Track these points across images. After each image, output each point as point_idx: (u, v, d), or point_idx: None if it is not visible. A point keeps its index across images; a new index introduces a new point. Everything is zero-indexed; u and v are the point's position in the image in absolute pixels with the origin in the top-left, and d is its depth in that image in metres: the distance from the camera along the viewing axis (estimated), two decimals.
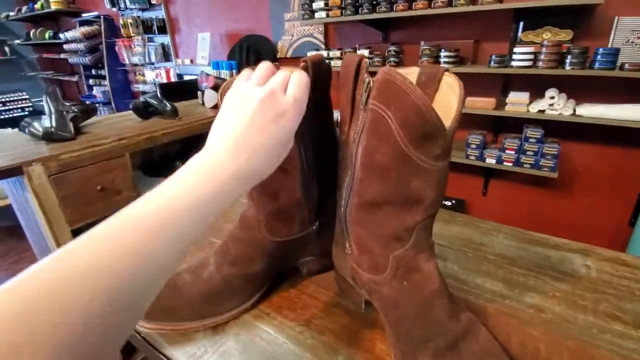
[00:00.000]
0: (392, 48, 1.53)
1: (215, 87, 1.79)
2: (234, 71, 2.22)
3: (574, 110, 1.25)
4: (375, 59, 1.59)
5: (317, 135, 0.41)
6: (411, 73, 0.36)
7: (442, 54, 1.41)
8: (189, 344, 0.38)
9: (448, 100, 0.31)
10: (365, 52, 1.60)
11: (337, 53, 1.69)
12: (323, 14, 1.66)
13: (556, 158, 1.33)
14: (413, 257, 0.33)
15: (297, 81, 0.29)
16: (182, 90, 2.14)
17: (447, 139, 0.28)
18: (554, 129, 1.41)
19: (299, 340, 0.38)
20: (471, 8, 1.28)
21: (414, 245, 0.33)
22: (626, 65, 1.09)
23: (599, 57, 1.12)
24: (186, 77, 2.74)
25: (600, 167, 1.44)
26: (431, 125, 0.26)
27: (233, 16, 2.42)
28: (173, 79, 2.70)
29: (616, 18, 1.21)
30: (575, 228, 1.58)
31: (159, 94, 1.68)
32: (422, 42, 1.63)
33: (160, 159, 1.67)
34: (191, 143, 1.62)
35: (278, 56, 2.31)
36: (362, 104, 0.31)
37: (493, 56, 1.31)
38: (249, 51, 2.27)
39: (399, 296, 0.33)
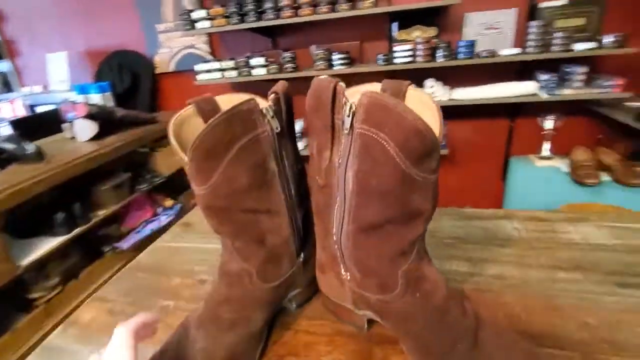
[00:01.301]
0: (287, 55, 1.54)
1: (91, 116, 1.52)
2: (107, 93, 1.92)
3: (450, 95, 1.48)
4: (271, 67, 1.58)
5: (294, 167, 0.38)
6: (374, 88, 0.36)
7: (335, 56, 1.48)
8: None
9: (420, 113, 0.32)
10: (261, 60, 1.58)
11: (231, 63, 1.62)
12: (206, 23, 1.56)
13: (445, 137, 1.56)
14: (418, 268, 0.33)
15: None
16: (40, 125, 1.76)
17: (438, 152, 0.29)
18: None
19: None
20: (352, 13, 1.38)
21: (417, 256, 0.33)
22: (482, 53, 1.34)
23: (460, 48, 1.35)
24: (40, 109, 2.24)
25: (476, 138, 1.75)
26: (431, 143, 0.27)
27: (94, 30, 2.08)
28: (24, 112, 2.19)
29: (465, 15, 1.47)
30: (466, 191, 1.88)
31: (13, 135, 1.34)
32: (312, 46, 1.69)
33: (31, 214, 1.34)
34: (71, 187, 1.34)
35: (157, 72, 2.08)
36: (346, 129, 0.30)
37: (379, 55, 1.44)
38: (122, 69, 1.99)
39: (415, 309, 0.33)
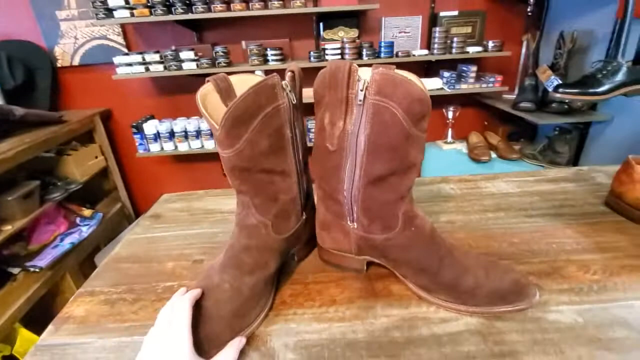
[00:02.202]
0: (219, 49, 1.53)
1: None
2: None
3: None
4: (202, 61, 1.54)
5: (302, 136, 0.44)
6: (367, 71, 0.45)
7: (269, 52, 1.53)
8: None
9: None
10: (190, 54, 1.53)
11: (156, 57, 1.53)
12: (125, 12, 1.44)
13: None
14: (411, 209, 0.43)
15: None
16: None
17: (430, 115, 0.39)
18: None
19: (340, 317, 0.43)
20: (284, 11, 1.45)
21: (410, 199, 0.43)
22: (399, 53, 1.55)
23: (382, 48, 1.53)
24: None
25: None
26: (428, 106, 0.37)
27: None
28: None
29: (383, 18, 1.67)
30: None
31: None
32: (244, 42, 1.70)
33: None
34: None
35: (59, 65, 1.83)
36: (359, 101, 0.38)
37: (312, 52, 1.54)
38: (12, 63, 1.69)
39: (412, 240, 0.43)
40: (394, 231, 0.43)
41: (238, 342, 0.37)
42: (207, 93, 0.40)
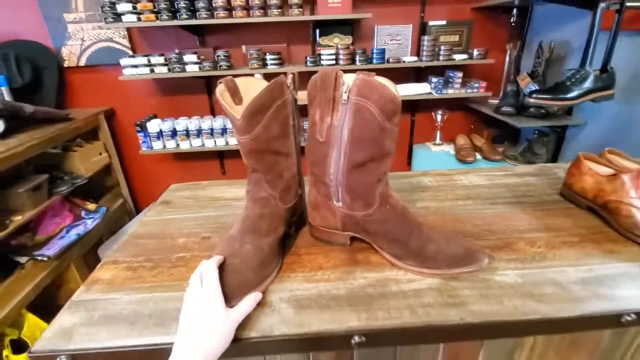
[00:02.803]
0: (221, 53, 1.62)
1: None
2: (3, 89, 1.69)
3: None
4: (204, 64, 1.63)
5: (299, 125, 0.54)
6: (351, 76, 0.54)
7: (268, 57, 1.62)
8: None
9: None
10: (193, 57, 1.61)
11: (161, 59, 1.61)
12: (132, 17, 1.53)
13: None
14: (386, 190, 0.52)
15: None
16: None
17: (400, 111, 0.48)
18: None
19: (326, 279, 0.52)
20: (283, 18, 1.55)
21: (386, 182, 0.53)
22: (390, 59, 1.65)
23: (374, 54, 1.64)
24: None
25: None
26: (398, 105, 0.46)
27: None
28: None
29: (375, 27, 1.78)
30: None
31: None
32: (244, 47, 1.79)
33: None
34: None
35: (66, 65, 1.91)
36: (343, 101, 0.47)
37: (308, 57, 1.64)
38: (20, 61, 1.77)
39: (387, 216, 0.52)
40: (372, 208, 0.52)
41: (255, 295, 0.45)
42: (223, 91, 0.49)
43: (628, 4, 1.08)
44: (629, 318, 0.46)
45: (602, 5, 1.06)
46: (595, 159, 0.69)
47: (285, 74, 0.52)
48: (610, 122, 1.41)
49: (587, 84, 1.12)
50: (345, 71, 0.48)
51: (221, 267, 0.47)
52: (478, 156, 1.79)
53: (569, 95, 1.12)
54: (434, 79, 1.73)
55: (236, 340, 0.42)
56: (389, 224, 0.52)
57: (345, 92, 0.46)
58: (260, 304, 0.47)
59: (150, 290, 0.51)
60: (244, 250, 0.49)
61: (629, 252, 0.56)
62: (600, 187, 0.64)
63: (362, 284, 0.50)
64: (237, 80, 0.53)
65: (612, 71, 1.12)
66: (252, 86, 0.54)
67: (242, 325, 0.44)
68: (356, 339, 0.43)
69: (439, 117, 1.90)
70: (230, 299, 0.44)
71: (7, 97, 1.69)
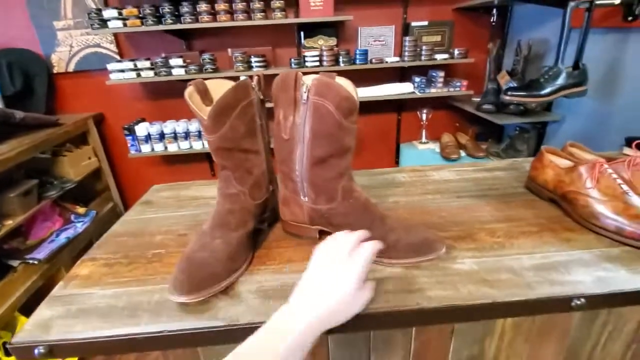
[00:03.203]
0: (206, 56, 1.64)
1: None
2: None
3: None
4: (190, 67, 1.65)
5: (267, 124, 0.57)
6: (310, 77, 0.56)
7: (253, 59, 1.65)
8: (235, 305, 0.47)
9: (350, 88, 0.54)
10: (179, 61, 1.64)
11: (147, 64, 1.64)
12: (118, 23, 1.55)
13: None
14: (349, 185, 0.55)
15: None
16: None
17: (358, 111, 0.51)
18: None
19: (293, 270, 0.54)
20: (266, 22, 1.57)
21: (348, 177, 0.55)
22: (373, 60, 1.68)
23: (357, 55, 1.67)
24: None
25: (373, 130, 2.12)
26: (353, 104, 0.49)
27: None
28: None
29: (359, 28, 1.81)
30: None
31: None
32: (230, 50, 1.82)
33: None
34: None
35: (55, 71, 1.92)
36: (304, 101, 0.50)
37: (293, 59, 1.66)
38: (12, 70, 1.78)
39: (350, 209, 0.55)
40: (336, 202, 0.54)
41: (371, 284, 0.45)
42: (192, 93, 0.52)
43: (597, 2, 1.11)
44: (578, 302, 0.48)
45: (571, 4, 1.10)
46: (557, 153, 0.72)
47: (251, 76, 0.54)
48: (587, 117, 1.44)
49: (560, 81, 1.15)
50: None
51: (190, 260, 0.49)
52: (462, 153, 1.83)
53: (543, 92, 1.15)
54: (417, 79, 1.77)
55: (203, 329, 0.45)
56: (351, 216, 0.55)
57: (305, 92, 0.49)
58: (229, 295, 0.50)
59: (125, 285, 0.53)
60: (213, 244, 0.52)
61: (584, 240, 0.59)
62: (560, 178, 0.67)
63: None
64: (209, 82, 0.55)
65: (584, 68, 1.16)
66: (223, 88, 0.56)
67: (211, 315, 0.46)
68: None
69: (424, 116, 1.93)
70: (197, 290, 0.46)
71: (0, 104, 1.71)
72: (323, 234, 0.61)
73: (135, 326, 0.46)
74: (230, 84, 0.57)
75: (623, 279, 0.50)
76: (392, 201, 0.74)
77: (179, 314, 0.47)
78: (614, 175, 0.60)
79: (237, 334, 0.46)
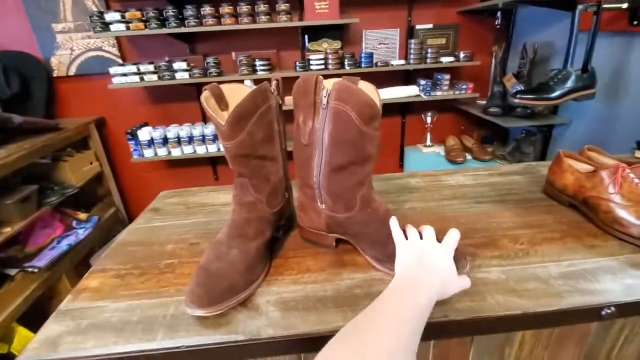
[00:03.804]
0: (210, 60, 1.63)
1: None
2: None
3: None
4: (194, 71, 1.64)
5: (285, 130, 0.55)
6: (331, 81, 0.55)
7: (257, 62, 1.63)
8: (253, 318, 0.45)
9: (373, 94, 0.52)
10: (183, 65, 1.62)
11: (150, 67, 1.62)
12: (121, 26, 1.53)
13: None
14: (369, 194, 0.53)
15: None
16: None
17: (380, 117, 0.49)
18: None
19: (313, 281, 0.52)
20: (271, 25, 1.56)
21: (368, 186, 0.53)
22: (378, 63, 1.67)
23: (362, 58, 1.65)
24: None
25: None
26: (376, 110, 0.47)
27: None
28: None
29: (364, 31, 1.80)
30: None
31: None
32: (234, 53, 1.80)
33: None
34: None
35: (55, 75, 1.90)
36: (324, 105, 0.48)
37: (297, 62, 1.65)
38: (8, 72, 1.76)
39: (367, 219, 0.53)
40: (354, 211, 0.53)
41: (464, 281, 0.46)
42: (208, 97, 0.50)
43: (605, 5, 1.11)
44: (609, 311, 0.47)
45: (580, 7, 1.09)
46: (575, 157, 0.71)
47: (269, 80, 0.53)
48: (594, 120, 1.44)
49: (569, 84, 1.14)
50: (336, 75, 0.48)
51: (207, 271, 0.47)
52: (468, 156, 1.82)
53: (552, 95, 1.14)
54: (422, 81, 1.76)
55: (222, 343, 0.43)
56: (369, 227, 0.53)
57: (325, 97, 0.47)
58: (248, 307, 0.48)
59: (138, 297, 0.51)
60: (230, 255, 0.50)
61: (609, 246, 0.57)
62: (581, 183, 0.65)
63: (349, 284, 0.51)
64: (224, 86, 0.53)
65: (592, 71, 1.15)
66: (239, 92, 0.54)
67: (230, 329, 0.44)
68: None
69: (428, 119, 1.92)
70: (215, 303, 0.44)
71: None
72: (341, 243, 0.60)
73: (151, 342, 0.44)
74: (245, 88, 0.56)
75: None
76: (409, 207, 0.72)
77: (197, 328, 0.45)
78: (637, 180, 0.59)
79: (259, 348, 0.44)
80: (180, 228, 0.70)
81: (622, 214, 0.58)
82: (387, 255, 0.51)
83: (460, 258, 0.50)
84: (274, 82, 0.52)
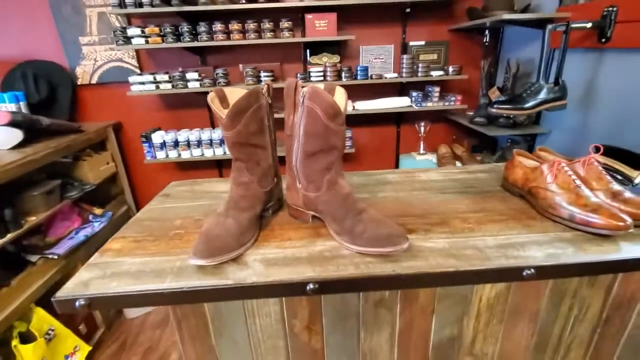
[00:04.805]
0: (220, 71, 1.79)
1: (15, 124, 1.51)
2: (21, 103, 1.86)
3: (353, 107, 1.92)
4: (204, 81, 1.80)
5: (274, 125, 0.68)
6: (320, 86, 0.68)
7: (262, 74, 1.79)
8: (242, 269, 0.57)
9: (340, 98, 0.65)
10: (194, 75, 1.78)
11: (165, 77, 1.78)
12: (141, 40, 1.71)
13: (351, 139, 1.98)
14: (335, 178, 0.65)
15: None
16: None
17: (343, 116, 0.62)
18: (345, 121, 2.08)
19: (292, 246, 0.64)
20: (275, 40, 1.72)
21: (334, 172, 0.65)
22: (373, 76, 1.81)
23: (358, 72, 1.80)
24: None
25: (374, 141, 2.24)
26: (336, 109, 0.60)
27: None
28: None
29: (361, 47, 1.95)
30: None
31: None
32: (241, 65, 1.97)
33: None
34: None
35: (79, 83, 2.08)
36: (300, 104, 0.61)
37: (298, 74, 1.80)
38: (38, 79, 1.95)
39: (332, 198, 0.64)
40: (321, 191, 0.65)
41: None
42: (213, 98, 0.63)
43: (573, 25, 1.23)
44: (529, 272, 0.57)
45: (549, 26, 1.22)
46: (526, 155, 0.82)
47: (262, 83, 0.66)
48: (571, 129, 1.54)
49: (542, 95, 1.26)
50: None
51: (208, 233, 0.59)
52: (458, 164, 1.93)
53: (526, 105, 1.26)
54: (414, 93, 1.89)
55: (216, 286, 0.55)
56: (332, 205, 0.64)
57: (302, 98, 0.60)
58: (238, 263, 0.60)
59: (151, 255, 0.64)
60: (227, 222, 0.62)
61: (543, 226, 0.68)
62: (527, 176, 0.77)
63: (320, 249, 0.63)
64: (227, 89, 0.67)
65: (563, 84, 1.27)
66: (239, 94, 0.68)
67: (222, 276, 0.56)
68: (310, 285, 0.55)
69: (422, 129, 2.04)
70: (212, 256, 0.57)
71: (25, 111, 1.86)
72: (315, 219, 0.72)
73: (160, 283, 0.56)
74: (243, 91, 0.69)
75: (570, 255, 0.59)
76: (381, 196, 0.84)
77: (197, 275, 0.57)
78: (570, 172, 0.70)
79: (244, 291, 0.56)
80: (187, 209, 0.83)
81: (556, 199, 0.69)
82: (342, 228, 0.62)
83: (399, 237, 0.58)
84: (265, 86, 0.65)
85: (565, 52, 1.26)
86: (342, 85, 0.61)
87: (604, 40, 1.30)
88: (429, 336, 0.72)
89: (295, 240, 0.66)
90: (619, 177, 0.80)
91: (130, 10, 1.65)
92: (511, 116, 1.63)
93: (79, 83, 2.09)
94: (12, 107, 1.81)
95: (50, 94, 1.99)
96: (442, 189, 0.86)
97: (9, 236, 1.34)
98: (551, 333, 0.75)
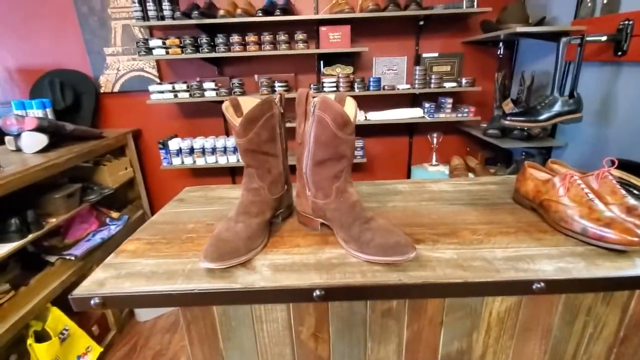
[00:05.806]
0: (236, 81, 1.84)
1: (41, 129, 1.59)
2: (47, 110, 1.95)
3: (365, 117, 1.93)
4: (221, 90, 1.85)
5: (286, 133, 0.70)
6: (331, 96, 0.70)
7: (277, 84, 1.83)
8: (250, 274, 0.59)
9: (350, 108, 0.67)
10: (211, 85, 1.84)
11: (184, 86, 1.85)
12: (162, 51, 1.78)
13: (362, 149, 1.99)
14: (344, 186, 0.66)
15: None
16: None
17: (352, 126, 0.63)
18: (357, 130, 2.09)
19: (300, 253, 0.65)
20: (290, 52, 1.76)
21: (343, 180, 0.66)
22: (385, 87, 1.83)
23: (371, 83, 1.82)
24: None
25: (386, 151, 2.24)
26: (347, 119, 0.61)
27: (24, 49, 2.09)
28: None
29: (374, 58, 1.98)
30: None
31: None
32: (256, 76, 2.02)
33: None
34: (18, 196, 1.39)
35: (102, 91, 2.17)
36: (311, 113, 0.63)
37: (312, 85, 1.83)
38: (64, 87, 2.04)
39: (340, 206, 0.65)
40: (330, 198, 0.66)
41: None
42: (227, 106, 0.66)
43: (587, 38, 1.22)
44: (539, 285, 0.57)
45: (564, 39, 1.21)
46: (538, 167, 0.82)
47: (275, 93, 0.68)
48: (587, 142, 1.51)
49: (556, 108, 1.25)
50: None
51: (218, 237, 0.61)
52: (471, 176, 1.91)
53: (540, 118, 1.25)
54: (427, 104, 1.89)
55: (225, 289, 0.56)
56: (340, 212, 0.65)
57: (312, 107, 0.62)
58: (247, 267, 0.61)
59: (164, 257, 0.66)
60: (237, 227, 0.64)
61: (554, 239, 0.67)
62: (538, 189, 0.76)
63: (328, 256, 0.63)
64: (241, 98, 0.70)
65: (578, 97, 1.25)
66: (252, 103, 0.70)
67: (231, 280, 0.57)
68: (317, 292, 0.56)
69: (434, 140, 2.04)
70: (222, 259, 0.58)
71: (51, 117, 1.95)
72: (324, 227, 0.73)
73: (171, 285, 0.58)
74: (257, 100, 0.72)
75: (581, 270, 0.58)
76: (391, 205, 0.84)
77: (206, 278, 0.59)
78: (582, 185, 0.69)
79: (252, 295, 0.57)
80: (200, 213, 0.85)
81: (568, 213, 0.68)
82: (350, 236, 0.63)
83: (406, 246, 0.58)
84: (277, 96, 0.67)
85: (580, 65, 1.25)
86: (354, 96, 0.63)
87: (620, 53, 1.28)
88: (437, 349, 0.72)
89: (304, 247, 0.67)
90: (635, 191, 0.78)
91: (153, 22, 1.73)
92: (525, 128, 1.61)
93: (102, 91, 2.18)
94: (39, 113, 1.90)
95: (75, 101, 2.08)
96: (451, 200, 0.86)
97: (31, 236, 1.39)
98: (565, 351, 0.73)
